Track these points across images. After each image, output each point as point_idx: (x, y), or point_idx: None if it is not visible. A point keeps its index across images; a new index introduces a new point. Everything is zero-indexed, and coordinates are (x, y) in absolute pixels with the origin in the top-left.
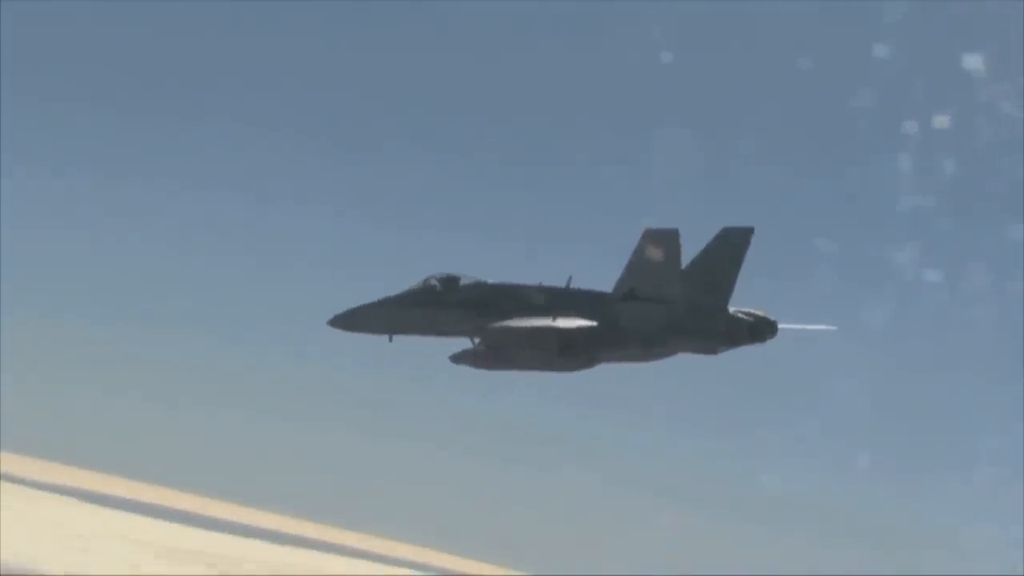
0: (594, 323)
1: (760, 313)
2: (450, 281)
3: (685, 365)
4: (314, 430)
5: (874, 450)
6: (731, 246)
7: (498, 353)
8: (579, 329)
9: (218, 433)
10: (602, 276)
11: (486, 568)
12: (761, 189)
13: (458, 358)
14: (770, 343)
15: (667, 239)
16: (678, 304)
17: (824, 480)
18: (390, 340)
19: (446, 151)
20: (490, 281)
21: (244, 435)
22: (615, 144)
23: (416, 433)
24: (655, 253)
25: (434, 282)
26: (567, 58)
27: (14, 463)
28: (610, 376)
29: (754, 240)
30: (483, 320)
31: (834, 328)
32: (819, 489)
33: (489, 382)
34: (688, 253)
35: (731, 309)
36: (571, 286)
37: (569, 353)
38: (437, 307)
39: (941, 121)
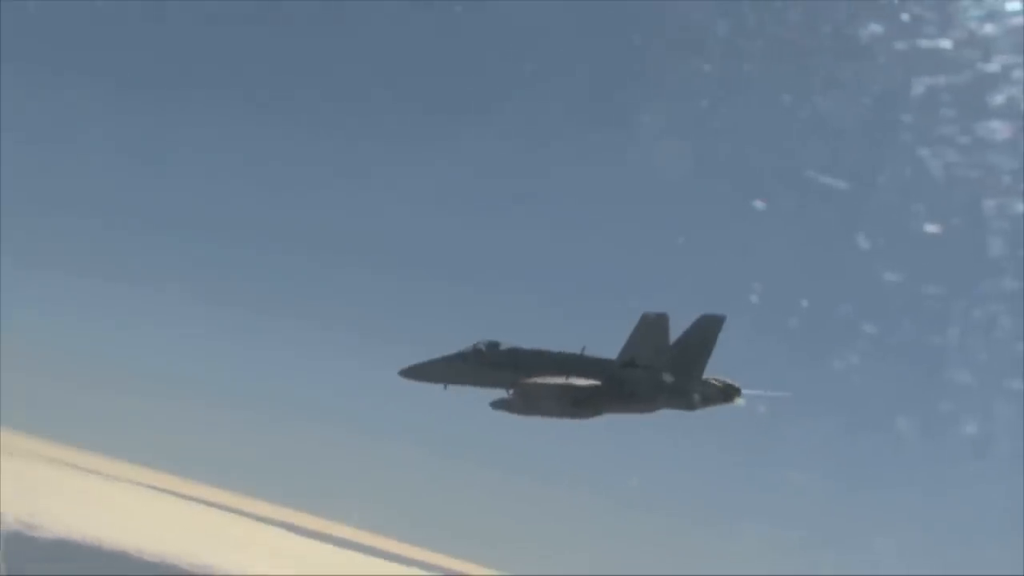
0: (600, 383)
1: (729, 381)
2: (492, 345)
3: (668, 417)
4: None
5: None
6: (706, 329)
7: (526, 403)
8: (589, 387)
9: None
10: (610, 342)
11: None
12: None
13: (496, 405)
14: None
15: (658, 322)
16: (665, 372)
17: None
18: (444, 388)
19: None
20: (523, 347)
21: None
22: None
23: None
24: (649, 332)
25: (481, 346)
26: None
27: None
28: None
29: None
30: (516, 376)
31: (789, 394)
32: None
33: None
34: (678, 329)
35: (706, 376)
36: (585, 353)
37: (581, 405)
38: (482, 365)
39: None
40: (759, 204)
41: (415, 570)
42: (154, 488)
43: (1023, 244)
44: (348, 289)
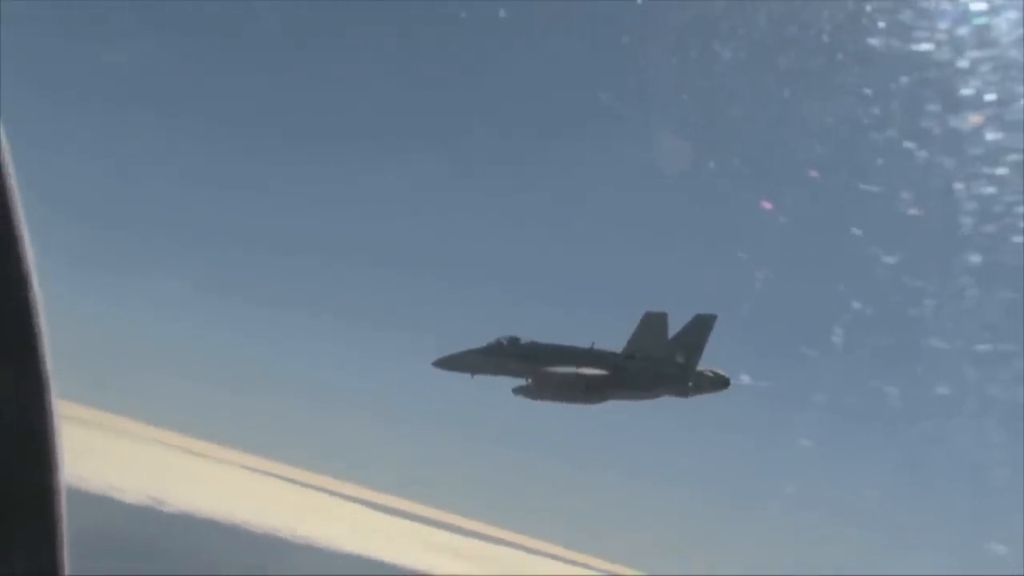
0: (607, 373)
1: (720, 372)
2: (513, 340)
3: (666, 403)
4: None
5: None
6: (701, 326)
7: (544, 390)
8: (597, 376)
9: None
10: (615, 338)
11: None
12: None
13: (517, 391)
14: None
15: (658, 319)
16: (663, 363)
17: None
18: (472, 377)
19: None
20: (540, 341)
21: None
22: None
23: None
24: (650, 329)
25: (504, 341)
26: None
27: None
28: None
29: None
30: (534, 367)
31: (772, 384)
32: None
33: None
34: (676, 325)
35: (700, 368)
36: (594, 347)
37: (590, 392)
38: (505, 357)
39: None
40: (765, 205)
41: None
42: (258, 471)
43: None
44: (386, 287)
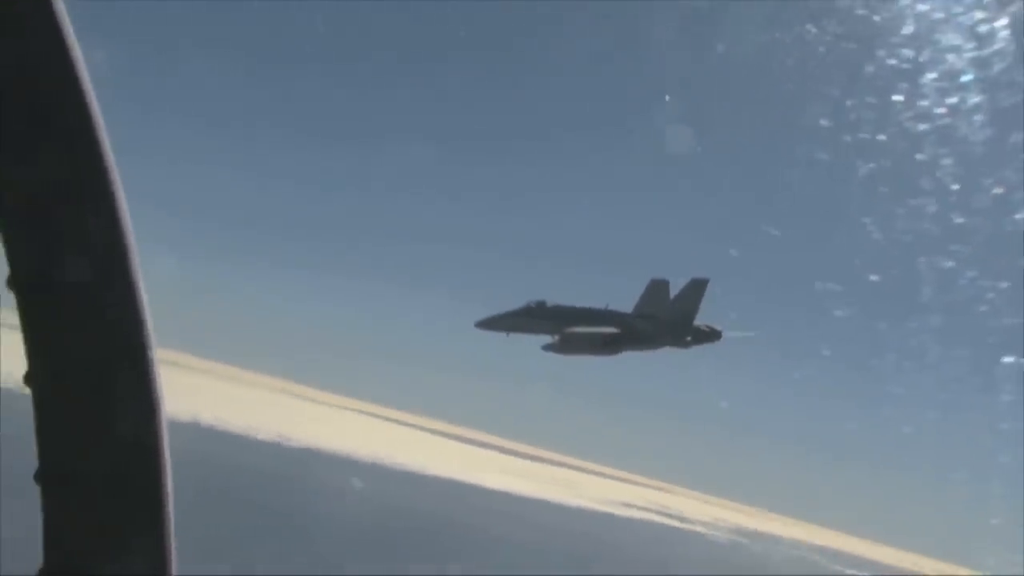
0: (620, 331)
1: (715, 326)
2: (541, 303)
3: (669, 353)
4: None
5: None
6: (696, 289)
7: (567, 345)
8: (612, 334)
9: None
10: (626, 300)
11: None
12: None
13: (546, 347)
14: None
15: (661, 285)
16: (666, 321)
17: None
18: (507, 335)
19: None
20: (564, 304)
21: None
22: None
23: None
24: (655, 292)
25: (533, 304)
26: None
27: None
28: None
29: None
30: (560, 326)
31: (756, 334)
32: None
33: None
34: (676, 287)
35: (696, 323)
36: (609, 308)
37: (607, 346)
38: (535, 318)
39: None
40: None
41: None
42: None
43: None
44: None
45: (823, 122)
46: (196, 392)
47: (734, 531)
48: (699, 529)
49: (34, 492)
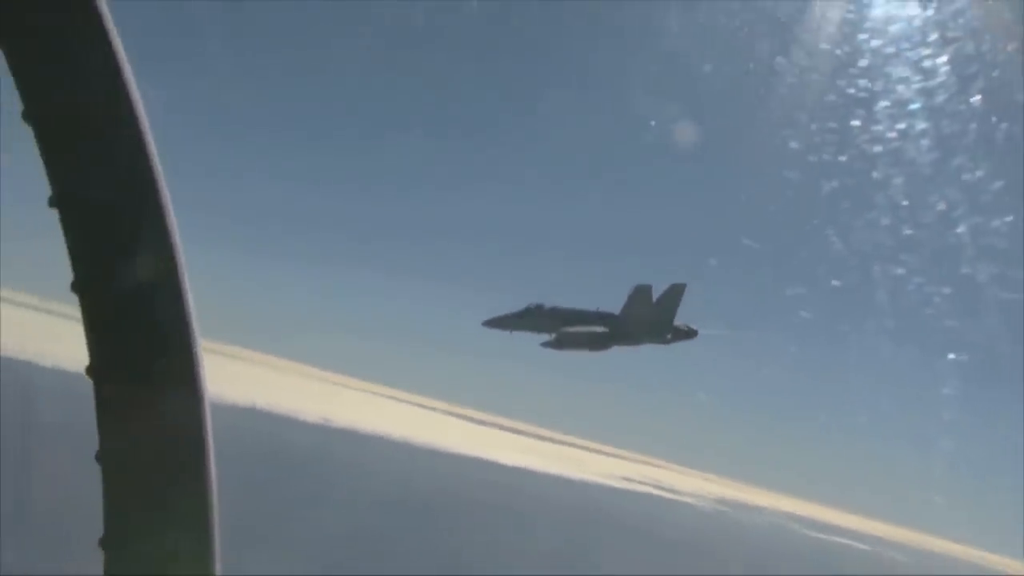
0: (609, 330)
1: (692, 326)
2: (539, 305)
3: (651, 349)
4: None
5: None
6: (674, 293)
7: (564, 343)
8: (602, 332)
9: None
10: (614, 302)
11: None
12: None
13: (544, 344)
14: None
15: (644, 289)
16: (649, 321)
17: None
18: (510, 334)
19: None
20: (560, 306)
21: None
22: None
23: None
24: (638, 296)
25: (532, 306)
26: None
27: None
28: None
29: None
30: (556, 325)
31: (726, 332)
32: None
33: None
34: (657, 291)
35: (676, 323)
36: (599, 309)
37: (597, 343)
38: (534, 318)
39: None
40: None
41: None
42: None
43: None
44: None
45: (792, 144)
46: (249, 380)
47: (719, 501)
48: (688, 500)
49: (96, 469)
